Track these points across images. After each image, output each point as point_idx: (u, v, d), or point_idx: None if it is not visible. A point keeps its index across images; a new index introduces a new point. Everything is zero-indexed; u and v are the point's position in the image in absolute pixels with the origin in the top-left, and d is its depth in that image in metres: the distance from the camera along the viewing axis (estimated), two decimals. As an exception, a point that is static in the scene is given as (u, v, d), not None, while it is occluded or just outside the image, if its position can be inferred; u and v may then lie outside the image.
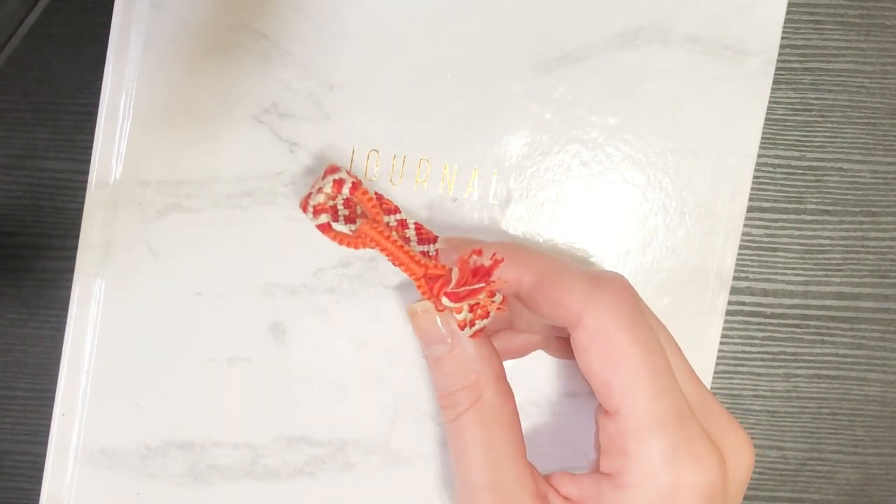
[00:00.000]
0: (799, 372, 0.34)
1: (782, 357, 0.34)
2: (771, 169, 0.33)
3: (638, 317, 0.23)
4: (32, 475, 0.33)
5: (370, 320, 0.31)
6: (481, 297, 0.24)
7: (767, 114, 0.31)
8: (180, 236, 0.31)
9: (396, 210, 0.28)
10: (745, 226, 0.32)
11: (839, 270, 0.34)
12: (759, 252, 0.33)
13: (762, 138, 0.32)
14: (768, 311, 0.34)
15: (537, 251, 0.26)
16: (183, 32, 0.30)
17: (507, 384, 0.26)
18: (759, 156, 0.32)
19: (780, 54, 0.31)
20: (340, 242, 0.26)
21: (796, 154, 0.33)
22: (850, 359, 0.34)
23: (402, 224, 0.28)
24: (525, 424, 0.31)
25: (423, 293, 0.25)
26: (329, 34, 0.30)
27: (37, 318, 0.33)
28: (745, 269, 0.33)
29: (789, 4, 0.31)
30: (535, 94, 0.31)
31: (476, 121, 0.31)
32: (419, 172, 0.31)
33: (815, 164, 0.33)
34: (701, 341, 0.31)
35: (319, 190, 0.27)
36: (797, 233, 0.33)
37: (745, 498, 0.34)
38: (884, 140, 0.33)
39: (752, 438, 0.34)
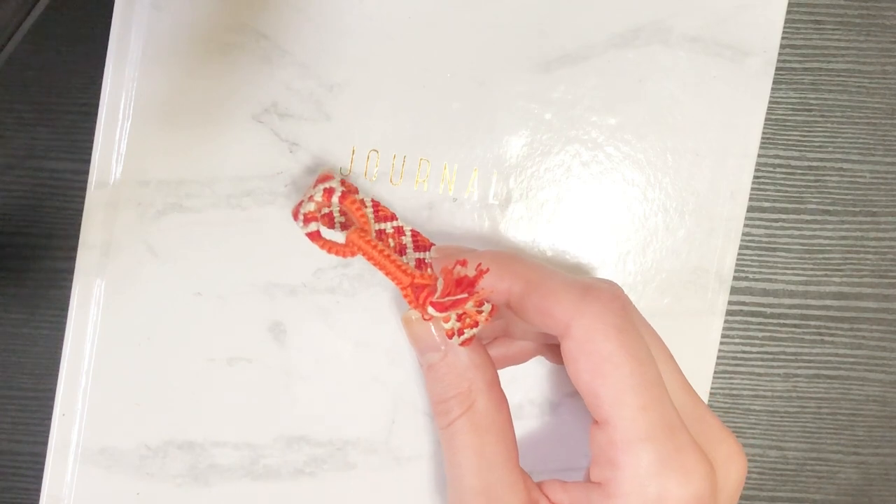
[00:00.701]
0: (799, 372, 0.34)
1: (782, 357, 0.34)
2: (771, 169, 0.33)
3: (626, 326, 0.23)
4: (32, 475, 0.33)
5: (370, 320, 0.31)
6: (468, 306, 0.24)
7: (767, 114, 0.31)
8: (180, 236, 0.31)
9: (393, 217, 0.28)
10: (745, 226, 0.32)
11: (839, 270, 0.34)
12: (759, 252, 0.33)
13: (762, 138, 0.32)
14: (768, 310, 0.34)
15: (528, 261, 0.26)
16: (183, 32, 0.30)
17: (501, 391, 0.26)
18: (759, 156, 0.32)
19: (780, 54, 0.31)
20: (329, 251, 0.26)
21: (796, 154, 0.33)
22: (850, 359, 0.34)
23: (399, 231, 0.28)
24: (525, 424, 0.31)
25: (410, 302, 0.25)
26: (329, 34, 0.30)
27: (37, 318, 0.33)
28: (745, 269, 0.33)
29: (789, 4, 0.31)
30: (535, 94, 0.31)
31: (476, 121, 0.31)
32: (419, 172, 0.31)
33: (815, 163, 0.33)
34: (701, 341, 0.31)
35: (310, 198, 0.27)
36: (797, 233, 0.33)
37: (746, 498, 0.34)
38: (884, 140, 0.33)
39: (752, 438, 0.34)
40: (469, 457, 0.24)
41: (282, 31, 0.30)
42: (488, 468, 0.24)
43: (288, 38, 0.30)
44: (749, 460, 0.34)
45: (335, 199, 0.27)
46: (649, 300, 0.31)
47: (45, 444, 0.30)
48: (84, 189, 0.30)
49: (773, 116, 0.33)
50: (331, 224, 0.27)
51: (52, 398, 0.30)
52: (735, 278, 0.32)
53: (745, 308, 0.34)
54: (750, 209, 0.32)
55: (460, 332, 0.25)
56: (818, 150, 0.33)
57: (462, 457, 0.24)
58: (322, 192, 0.27)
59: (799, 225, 0.33)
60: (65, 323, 0.30)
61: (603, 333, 0.23)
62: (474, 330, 0.25)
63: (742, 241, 0.32)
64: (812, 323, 0.34)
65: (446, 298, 0.24)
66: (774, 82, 0.31)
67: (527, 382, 0.31)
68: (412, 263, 0.28)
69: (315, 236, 0.26)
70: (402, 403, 0.31)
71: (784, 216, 0.33)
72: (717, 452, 0.24)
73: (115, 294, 0.30)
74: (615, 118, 0.31)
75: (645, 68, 0.31)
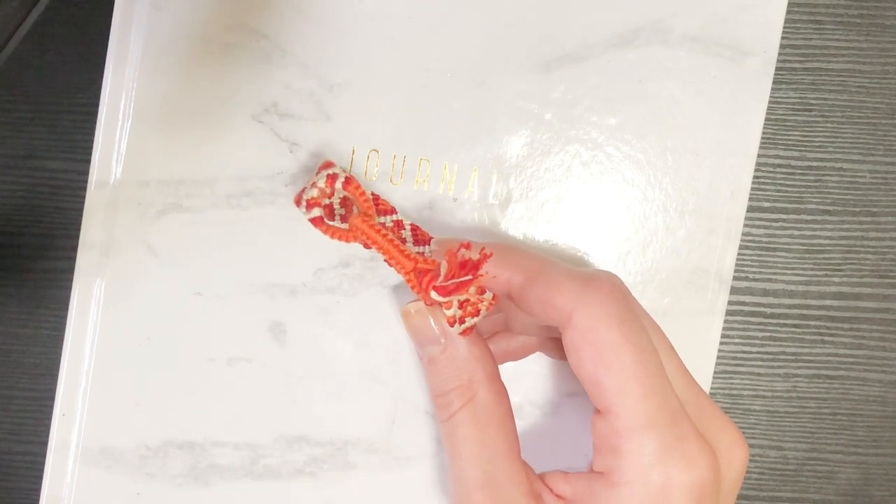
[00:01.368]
0: (799, 372, 0.34)
1: (782, 357, 0.34)
2: (771, 169, 0.33)
3: (628, 316, 0.23)
4: (32, 475, 0.33)
5: (370, 320, 0.31)
6: (471, 290, 0.24)
7: (767, 114, 0.31)
8: (180, 236, 0.31)
9: (393, 211, 0.28)
10: (745, 226, 0.32)
11: (839, 270, 0.34)
12: (759, 252, 0.33)
13: (762, 138, 0.32)
14: (768, 311, 0.34)
15: (528, 252, 0.26)
16: (183, 32, 0.30)
17: (501, 384, 0.26)
18: (759, 156, 0.32)
19: (780, 54, 0.31)
20: (332, 236, 0.26)
21: (796, 154, 0.33)
22: (850, 359, 0.34)
23: (399, 225, 0.28)
24: (525, 424, 0.31)
25: (413, 287, 0.25)
26: (329, 34, 0.30)
27: (37, 318, 0.33)
28: (745, 269, 0.33)
29: (789, 4, 0.31)
30: (535, 94, 0.31)
31: (476, 121, 0.31)
32: (419, 172, 0.31)
33: (815, 163, 0.33)
34: (701, 341, 0.31)
35: (313, 185, 0.27)
36: (797, 233, 0.33)
37: (745, 498, 0.34)
38: (884, 140, 0.33)
39: (752, 438, 0.34)
40: (470, 449, 0.24)
41: (282, 31, 0.30)
42: (490, 460, 0.24)
43: (288, 38, 0.30)
44: (749, 460, 0.34)
45: (338, 184, 0.27)
46: (649, 300, 0.31)
47: (45, 444, 0.30)
48: (84, 189, 0.30)
49: (773, 116, 0.33)
50: (331, 216, 0.27)
51: (52, 398, 0.30)
52: (735, 278, 0.32)
53: (745, 308, 0.34)
54: (750, 209, 0.32)
55: (461, 321, 0.25)
56: (818, 150, 0.33)
57: (463, 449, 0.25)
58: (325, 178, 0.27)
59: (799, 225, 0.33)
60: (65, 323, 0.30)
61: (605, 323, 0.23)
62: (475, 319, 0.25)
63: (742, 241, 0.32)
64: (812, 323, 0.34)
65: (450, 281, 0.24)
66: (774, 82, 0.31)
67: (527, 382, 0.31)
68: None
69: (318, 221, 0.27)
70: (403, 403, 0.31)
71: (784, 216, 0.33)
72: (720, 441, 0.24)
73: (115, 294, 0.30)
74: (615, 118, 0.31)
75: (645, 68, 0.31)
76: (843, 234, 0.34)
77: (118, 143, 0.30)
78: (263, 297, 0.31)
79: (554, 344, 0.29)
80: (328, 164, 0.28)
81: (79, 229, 0.30)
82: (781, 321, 0.34)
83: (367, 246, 0.27)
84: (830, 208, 0.34)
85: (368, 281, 0.31)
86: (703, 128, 0.31)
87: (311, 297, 0.31)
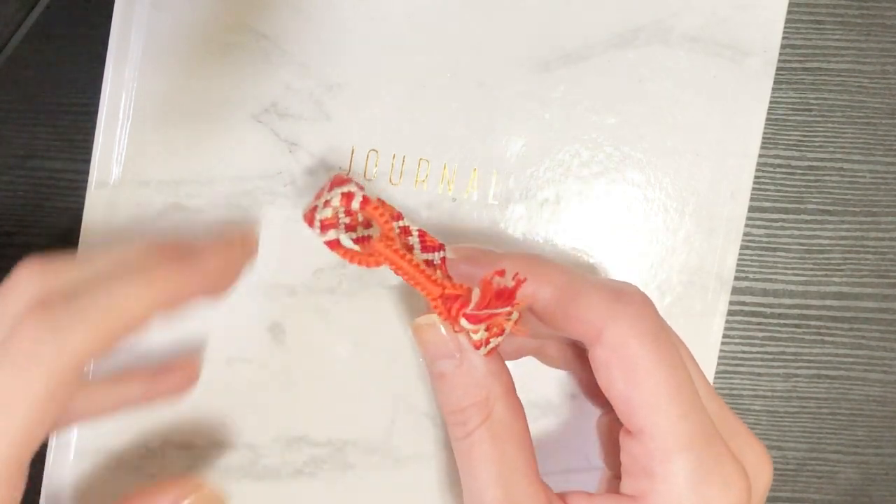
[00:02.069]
0: (799, 372, 0.34)
1: (782, 357, 0.34)
2: (771, 169, 0.33)
3: (660, 333, 0.23)
4: (32, 475, 0.33)
5: (370, 320, 0.31)
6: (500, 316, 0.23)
7: (768, 114, 0.31)
8: (180, 236, 0.30)
9: (399, 216, 0.26)
10: (746, 226, 0.32)
11: (839, 270, 0.34)
12: (760, 252, 0.33)
13: (762, 138, 0.32)
14: (768, 311, 0.34)
15: (554, 263, 0.25)
16: (183, 32, 0.30)
17: (518, 398, 0.25)
18: (760, 156, 0.32)
19: (780, 54, 0.31)
20: (351, 260, 0.24)
21: (796, 154, 0.33)
22: (850, 359, 0.34)
23: (405, 231, 0.26)
24: (525, 425, 0.31)
25: (440, 314, 0.24)
26: (329, 34, 0.30)
27: (37, 318, 0.33)
28: (746, 269, 0.33)
29: (790, 4, 0.31)
30: (534, 94, 0.31)
31: (476, 121, 0.31)
32: (419, 172, 0.31)
33: (815, 164, 0.33)
34: (702, 341, 0.31)
35: (326, 203, 0.25)
36: (797, 233, 0.33)
37: (746, 498, 0.34)
38: (884, 140, 0.33)
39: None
40: (489, 468, 0.23)
41: (282, 31, 0.30)
42: (510, 479, 0.23)
43: (288, 38, 0.30)
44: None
45: (355, 203, 0.25)
46: (649, 300, 0.31)
47: (45, 443, 0.30)
48: (84, 189, 0.30)
49: (774, 116, 0.33)
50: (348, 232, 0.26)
51: (51, 398, 0.30)
52: (735, 278, 0.32)
53: (746, 308, 0.34)
54: (750, 209, 0.32)
55: (486, 342, 0.24)
56: (818, 150, 0.33)
57: (482, 469, 0.23)
58: (340, 197, 0.25)
59: (799, 225, 0.33)
60: (65, 323, 0.30)
61: (637, 340, 0.22)
62: (500, 338, 0.24)
63: (742, 241, 0.32)
64: (812, 323, 0.34)
65: (483, 311, 0.23)
66: (775, 82, 0.31)
67: (528, 383, 0.31)
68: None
69: (335, 245, 0.25)
70: (402, 403, 0.31)
71: (784, 216, 0.33)
72: (746, 457, 0.23)
73: (114, 294, 0.30)
74: (615, 118, 0.31)
75: (645, 68, 0.31)
76: (844, 234, 0.34)
77: (118, 143, 0.30)
78: (263, 297, 0.31)
79: (552, 350, 0.28)
80: (342, 180, 0.25)
81: (79, 229, 0.30)
82: (781, 321, 0.34)
83: (393, 270, 0.25)
84: (831, 208, 0.33)
85: (368, 281, 0.31)
86: (704, 128, 0.31)
87: (310, 297, 0.31)
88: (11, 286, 0.24)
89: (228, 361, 0.31)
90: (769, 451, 0.34)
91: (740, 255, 0.32)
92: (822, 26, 0.33)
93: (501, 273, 0.23)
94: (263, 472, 0.31)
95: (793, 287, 0.34)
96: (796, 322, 0.34)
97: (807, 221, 0.33)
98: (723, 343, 0.32)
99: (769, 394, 0.34)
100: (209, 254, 0.26)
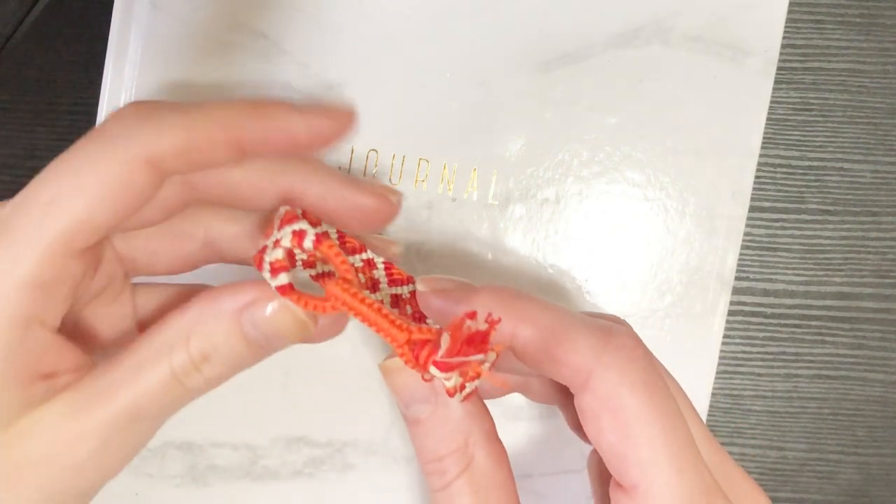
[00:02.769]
0: (800, 372, 0.34)
1: (783, 357, 0.34)
2: (772, 169, 0.33)
3: (654, 380, 0.21)
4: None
5: (370, 320, 0.31)
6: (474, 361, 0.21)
7: (768, 113, 0.31)
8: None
9: (362, 248, 0.24)
10: (746, 226, 0.32)
11: (840, 270, 0.34)
12: (760, 252, 0.33)
13: (763, 138, 0.32)
14: (769, 311, 0.34)
15: (535, 299, 0.23)
16: (183, 32, 0.30)
17: (500, 443, 0.23)
18: (760, 155, 0.32)
19: (780, 54, 0.31)
20: (305, 307, 0.21)
21: (797, 154, 0.33)
22: (850, 359, 0.34)
23: (370, 264, 0.24)
24: (523, 427, 0.31)
25: (407, 362, 0.21)
26: (328, 34, 0.30)
27: (37, 318, 0.33)
28: (746, 269, 0.33)
29: (790, 4, 0.31)
30: (534, 93, 0.31)
31: (476, 120, 0.31)
32: (419, 172, 0.31)
33: (815, 163, 0.33)
34: (702, 342, 0.31)
35: (276, 243, 0.21)
36: (798, 233, 0.33)
37: (746, 498, 0.34)
38: (884, 140, 0.33)
39: (752, 439, 0.34)
40: None
41: (281, 31, 0.30)
42: None
43: (287, 37, 0.30)
44: (749, 460, 0.34)
45: (308, 243, 0.21)
46: (650, 301, 0.31)
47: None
48: (84, 189, 0.30)
49: (774, 116, 0.33)
50: (293, 265, 0.23)
51: (51, 398, 0.30)
52: (736, 278, 0.32)
53: (746, 308, 0.34)
54: (750, 209, 0.32)
55: (461, 388, 0.21)
56: (819, 149, 0.33)
57: None
58: (291, 236, 0.21)
59: (800, 225, 0.33)
60: (64, 323, 0.30)
61: (629, 388, 0.20)
62: (476, 382, 0.22)
63: (743, 241, 0.32)
64: (813, 323, 0.34)
65: (455, 359, 0.20)
66: (775, 82, 0.31)
67: (527, 383, 0.31)
68: (387, 301, 0.24)
69: (287, 290, 0.21)
70: (402, 404, 0.31)
71: (785, 216, 0.33)
72: None
73: (114, 294, 0.30)
74: (615, 118, 0.31)
75: (645, 68, 0.31)
76: (844, 234, 0.33)
77: (118, 143, 0.30)
78: (263, 297, 0.31)
79: (537, 387, 0.27)
80: (292, 217, 0.22)
81: (78, 229, 0.30)
82: (782, 321, 0.34)
83: (352, 315, 0.22)
84: (831, 208, 0.33)
85: (368, 281, 0.31)
86: (704, 128, 0.31)
87: (310, 298, 0.31)
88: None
89: (228, 361, 0.31)
90: (769, 451, 0.34)
91: (741, 255, 0.32)
92: (822, 26, 0.33)
93: (472, 316, 0.20)
94: (263, 473, 0.31)
95: (793, 287, 0.34)
96: (797, 322, 0.34)
97: (807, 221, 0.33)
98: (723, 343, 0.32)
99: (770, 394, 0.34)
100: (292, 110, 0.22)
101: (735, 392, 0.34)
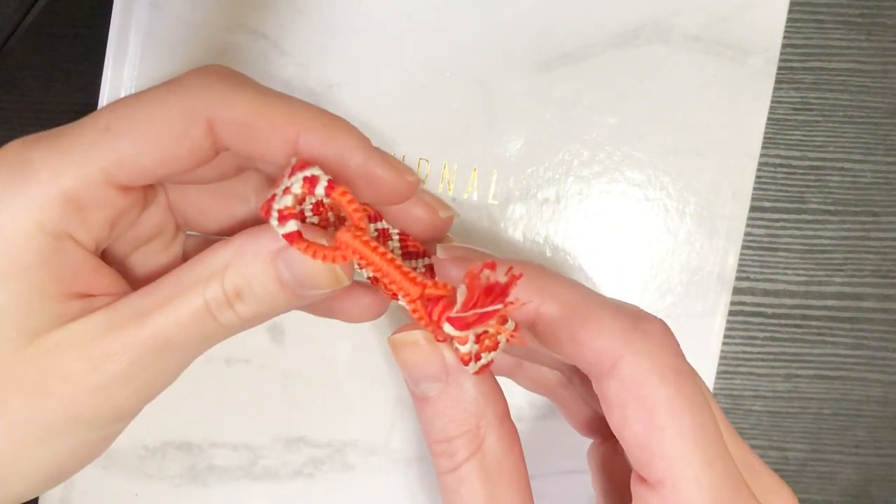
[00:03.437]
0: (800, 372, 0.34)
1: (784, 357, 0.34)
2: (772, 169, 0.33)
3: (685, 368, 0.20)
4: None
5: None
6: (491, 322, 0.19)
7: (769, 113, 0.31)
8: (180, 236, 0.30)
9: (378, 217, 0.23)
10: (747, 226, 0.32)
11: (840, 270, 0.34)
12: (761, 252, 0.33)
13: (763, 138, 0.31)
14: (769, 311, 0.34)
15: (562, 276, 0.22)
16: (182, 32, 0.30)
17: (512, 425, 0.22)
18: (761, 155, 0.32)
19: (781, 54, 0.31)
20: (314, 256, 0.20)
21: (798, 154, 0.33)
22: (851, 359, 0.34)
23: (384, 234, 0.23)
24: (525, 426, 0.31)
25: (420, 318, 0.20)
26: (328, 34, 0.30)
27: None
28: (747, 269, 0.33)
29: (791, 4, 0.31)
30: (535, 93, 0.31)
31: (476, 120, 0.31)
32: (418, 172, 0.31)
33: (816, 163, 0.33)
34: (702, 342, 0.31)
35: (286, 190, 0.20)
36: (798, 233, 0.33)
37: (746, 499, 0.34)
38: (885, 140, 0.33)
39: (753, 439, 0.34)
40: None
41: (281, 31, 0.30)
42: None
43: (287, 38, 0.30)
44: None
45: (319, 189, 0.20)
46: (650, 301, 0.31)
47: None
48: (83, 189, 0.30)
49: (775, 116, 0.33)
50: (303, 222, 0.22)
51: (51, 398, 0.30)
52: (736, 278, 0.32)
53: (747, 308, 0.33)
54: (751, 209, 0.32)
55: (477, 357, 0.20)
56: (819, 149, 0.33)
57: None
58: (302, 182, 0.20)
59: (800, 225, 0.33)
60: (64, 323, 0.30)
61: (659, 375, 0.19)
62: (493, 353, 0.21)
63: (743, 241, 0.32)
64: (813, 323, 0.34)
65: (470, 312, 0.19)
66: (776, 82, 0.31)
67: (527, 383, 0.31)
68: None
69: (295, 238, 0.20)
70: (402, 405, 0.31)
71: (785, 216, 0.33)
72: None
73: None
74: (615, 117, 0.31)
75: (645, 68, 0.31)
76: (845, 234, 0.33)
77: (117, 143, 0.30)
78: (263, 297, 0.31)
79: (532, 371, 0.26)
80: (304, 164, 0.21)
81: (78, 229, 0.30)
82: (783, 321, 0.34)
83: (360, 266, 0.21)
84: (832, 208, 0.33)
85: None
86: (705, 127, 0.31)
87: (310, 298, 0.31)
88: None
89: (228, 361, 0.31)
90: (770, 451, 0.34)
91: (741, 255, 0.32)
92: (823, 26, 0.33)
93: (492, 266, 0.19)
94: (262, 473, 0.31)
95: (794, 287, 0.34)
96: (797, 322, 0.34)
97: (808, 221, 0.33)
98: (724, 343, 0.32)
99: (770, 394, 0.34)
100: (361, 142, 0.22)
101: (735, 392, 0.34)
